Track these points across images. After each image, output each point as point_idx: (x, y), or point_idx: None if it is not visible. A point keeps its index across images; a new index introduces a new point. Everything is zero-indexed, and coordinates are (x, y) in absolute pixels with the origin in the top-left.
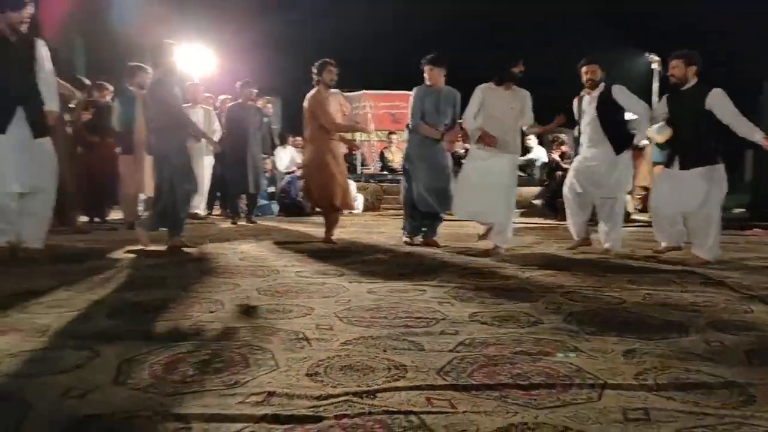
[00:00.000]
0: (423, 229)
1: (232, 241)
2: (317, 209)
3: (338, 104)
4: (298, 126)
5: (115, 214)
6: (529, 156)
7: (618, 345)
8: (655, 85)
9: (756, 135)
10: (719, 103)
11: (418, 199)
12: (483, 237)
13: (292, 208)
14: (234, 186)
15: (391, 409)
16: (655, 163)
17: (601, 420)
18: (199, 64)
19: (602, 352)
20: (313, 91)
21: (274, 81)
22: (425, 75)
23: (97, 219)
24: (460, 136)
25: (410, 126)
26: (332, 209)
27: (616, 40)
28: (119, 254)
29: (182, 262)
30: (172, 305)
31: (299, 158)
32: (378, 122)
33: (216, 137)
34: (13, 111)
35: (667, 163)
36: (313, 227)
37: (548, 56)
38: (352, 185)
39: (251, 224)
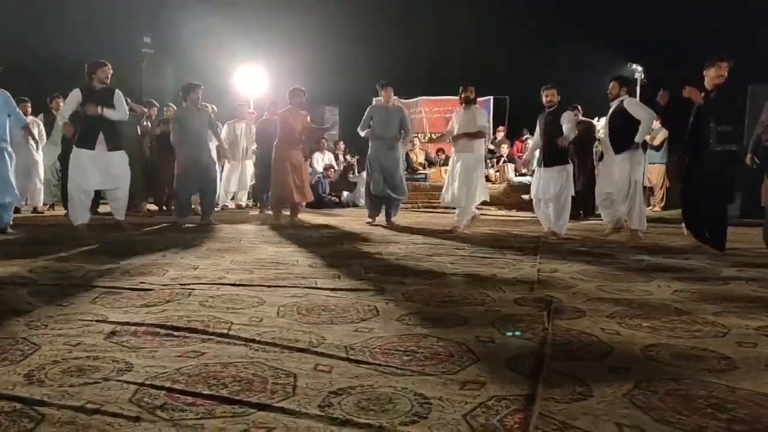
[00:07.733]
0: None
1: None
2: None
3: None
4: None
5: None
6: None
7: None
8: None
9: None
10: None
11: None
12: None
13: (317, 203)
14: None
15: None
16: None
17: None
18: (252, 84)
19: None
20: None
21: (330, 93)
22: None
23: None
24: None
25: None
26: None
27: (601, 52)
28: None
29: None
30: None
31: (333, 161)
32: (431, 126)
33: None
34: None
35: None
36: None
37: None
38: None
39: None
